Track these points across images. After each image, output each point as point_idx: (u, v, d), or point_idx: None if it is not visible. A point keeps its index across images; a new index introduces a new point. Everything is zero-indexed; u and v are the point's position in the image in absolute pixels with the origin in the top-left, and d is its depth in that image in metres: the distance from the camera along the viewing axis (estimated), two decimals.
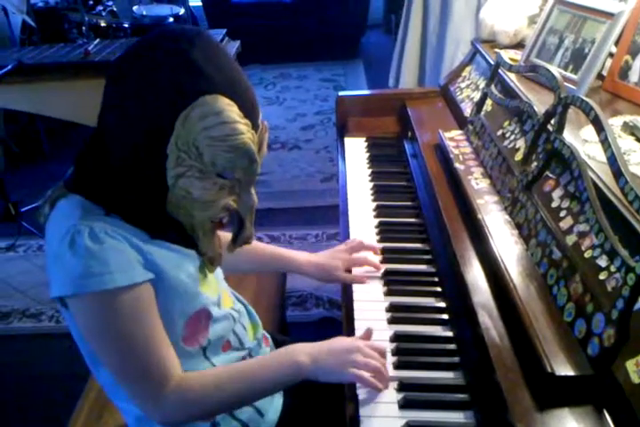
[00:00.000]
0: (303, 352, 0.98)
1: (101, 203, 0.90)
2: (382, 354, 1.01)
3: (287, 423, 1.11)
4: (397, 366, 1.02)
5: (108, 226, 0.88)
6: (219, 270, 1.10)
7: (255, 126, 0.90)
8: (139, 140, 0.87)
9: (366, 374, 0.95)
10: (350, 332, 1.12)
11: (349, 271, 1.29)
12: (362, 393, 0.97)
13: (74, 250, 0.85)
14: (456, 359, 1.03)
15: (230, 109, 0.85)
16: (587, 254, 0.93)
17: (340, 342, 1.01)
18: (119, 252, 0.87)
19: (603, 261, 0.89)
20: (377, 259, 1.31)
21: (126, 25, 4.10)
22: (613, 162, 0.89)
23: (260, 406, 1.08)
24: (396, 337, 1.08)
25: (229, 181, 0.91)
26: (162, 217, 0.92)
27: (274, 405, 1.12)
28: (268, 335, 1.25)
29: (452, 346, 1.06)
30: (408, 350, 1.05)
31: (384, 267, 1.28)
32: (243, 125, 0.86)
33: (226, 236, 1.05)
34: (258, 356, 1.10)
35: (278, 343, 1.24)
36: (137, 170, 0.89)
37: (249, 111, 0.88)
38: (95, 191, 0.91)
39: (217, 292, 1.06)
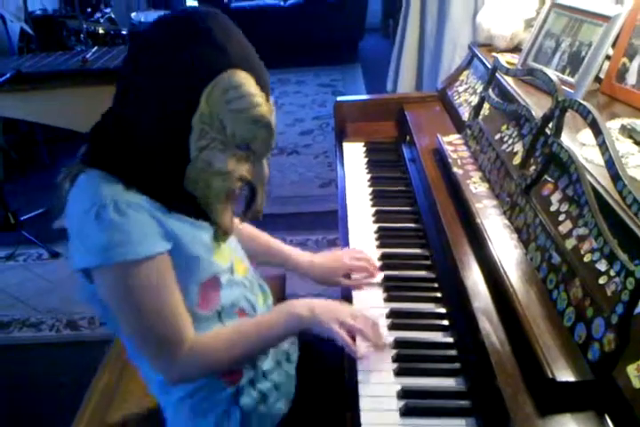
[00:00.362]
0: (302, 305, 1.06)
1: (122, 176, 0.93)
2: (374, 325, 1.07)
3: (300, 410, 1.16)
4: (398, 373, 1.01)
5: (131, 199, 0.92)
6: (232, 239, 1.14)
7: (268, 99, 0.96)
8: (165, 114, 0.91)
9: (345, 335, 1.02)
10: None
11: (348, 277, 1.29)
12: (363, 399, 0.97)
13: (99, 223, 0.89)
14: (457, 366, 1.03)
15: (248, 83, 0.91)
16: (586, 258, 0.92)
17: (336, 303, 1.10)
18: (141, 224, 0.92)
19: (602, 265, 0.88)
20: (375, 267, 1.31)
21: (124, 32, 4.11)
22: (611, 166, 0.88)
23: (278, 382, 1.14)
24: (397, 344, 1.08)
25: (246, 153, 0.97)
26: (179, 192, 0.97)
27: (291, 384, 1.17)
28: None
29: (453, 352, 1.06)
30: (409, 357, 1.05)
31: (383, 273, 1.28)
32: (260, 98, 0.92)
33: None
34: (260, 314, 1.14)
35: None
36: (161, 144, 0.94)
37: (263, 85, 0.94)
38: (115, 165, 0.94)
39: (229, 259, 1.10)
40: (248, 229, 1.31)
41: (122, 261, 0.90)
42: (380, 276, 1.28)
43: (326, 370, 1.23)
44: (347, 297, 1.24)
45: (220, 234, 1.06)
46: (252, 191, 1.04)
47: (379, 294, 1.23)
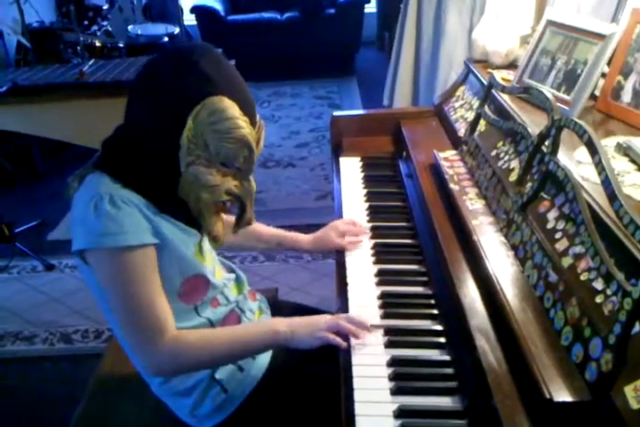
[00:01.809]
0: (283, 323, 1.15)
1: (122, 179, 1.07)
2: (364, 324, 1.14)
3: (276, 370, 1.25)
4: (395, 392, 1.01)
5: (125, 195, 1.05)
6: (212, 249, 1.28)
7: (253, 123, 1.09)
8: (158, 132, 1.06)
9: (332, 336, 1.11)
10: (346, 355, 1.11)
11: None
12: (360, 419, 0.96)
13: (97, 212, 1.02)
14: (453, 384, 1.02)
15: (232, 108, 1.04)
16: (582, 277, 0.92)
17: (319, 317, 1.17)
18: (132, 217, 1.04)
19: (599, 284, 0.88)
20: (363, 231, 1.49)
21: (121, 44, 4.12)
22: (608, 185, 0.89)
23: (241, 364, 1.23)
24: (393, 362, 1.07)
25: (231, 170, 1.10)
26: (173, 199, 1.09)
27: (257, 363, 1.25)
28: (260, 295, 1.43)
29: (450, 370, 1.05)
30: (405, 375, 1.04)
31: (379, 289, 1.28)
32: (242, 121, 1.05)
33: (229, 220, 1.24)
34: (233, 302, 1.28)
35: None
36: (156, 158, 1.07)
37: (247, 110, 1.07)
38: (118, 171, 1.08)
39: (212, 264, 1.24)
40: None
41: (113, 247, 1.02)
42: (376, 292, 1.27)
43: None
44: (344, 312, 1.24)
45: (211, 241, 1.19)
46: (241, 205, 1.16)
47: (375, 311, 1.22)
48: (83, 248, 1.05)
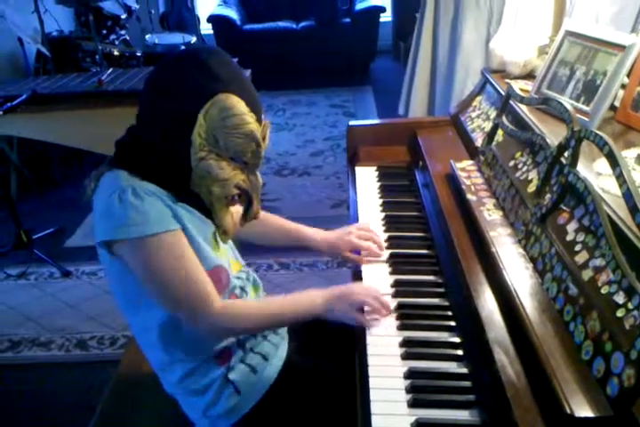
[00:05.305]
0: (319, 295, 1.22)
1: (138, 173, 1.12)
2: (387, 306, 1.22)
3: (290, 372, 1.28)
4: (412, 405, 1.00)
5: (146, 186, 1.10)
6: (230, 242, 1.31)
7: (259, 120, 1.13)
8: (170, 130, 1.10)
9: (359, 317, 1.19)
10: (363, 367, 1.10)
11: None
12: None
13: (122, 204, 1.07)
14: (471, 397, 1.01)
15: (239, 104, 1.09)
16: (603, 290, 0.91)
17: (352, 288, 1.25)
18: (156, 206, 1.09)
19: (620, 298, 0.87)
20: (381, 246, 1.46)
21: (139, 53, 4.16)
22: (629, 198, 0.88)
23: (265, 353, 1.27)
24: (410, 374, 1.07)
25: (240, 164, 1.14)
26: (187, 191, 1.14)
27: (278, 353, 1.30)
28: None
29: (467, 383, 1.04)
30: (423, 388, 1.03)
31: (396, 300, 1.27)
32: (249, 117, 1.10)
33: (239, 213, 1.27)
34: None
35: None
36: (169, 153, 1.12)
37: (253, 106, 1.12)
38: (134, 166, 1.13)
39: (227, 258, 1.27)
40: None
41: (142, 236, 1.07)
42: (393, 303, 1.27)
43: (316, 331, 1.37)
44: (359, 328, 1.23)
45: (221, 234, 1.22)
46: (248, 199, 1.21)
47: (392, 322, 1.21)
48: (110, 239, 1.09)
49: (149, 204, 1.08)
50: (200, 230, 1.17)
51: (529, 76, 1.80)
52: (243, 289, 1.28)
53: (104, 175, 1.14)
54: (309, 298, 1.22)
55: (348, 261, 1.49)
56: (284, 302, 1.23)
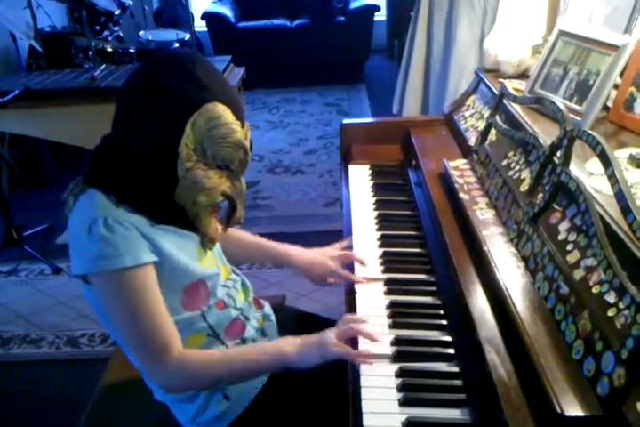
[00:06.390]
0: (290, 344, 1.13)
1: (115, 194, 1.07)
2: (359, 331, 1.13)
3: (278, 377, 1.23)
4: (403, 404, 1.00)
5: (119, 216, 1.05)
6: (217, 247, 1.29)
7: (242, 126, 1.11)
8: (156, 141, 1.06)
9: (343, 350, 1.09)
10: (354, 367, 1.10)
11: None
12: None
13: (91, 236, 1.03)
14: (462, 396, 1.01)
15: (226, 113, 1.06)
16: (594, 290, 0.91)
17: (327, 339, 1.12)
18: (128, 238, 1.04)
19: (611, 298, 0.87)
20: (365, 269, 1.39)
21: (132, 50, 4.14)
22: (621, 198, 0.88)
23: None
24: (402, 372, 1.06)
25: (226, 172, 1.12)
26: (168, 204, 1.10)
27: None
28: (266, 303, 1.41)
29: (459, 382, 1.04)
30: (413, 386, 1.03)
31: (388, 299, 1.27)
32: (236, 125, 1.08)
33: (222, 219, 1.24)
34: (253, 344, 1.26)
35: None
36: (153, 166, 1.07)
37: (238, 114, 1.10)
38: (110, 184, 1.08)
39: (215, 265, 1.24)
40: (236, 231, 1.43)
41: (110, 270, 1.03)
42: (385, 301, 1.27)
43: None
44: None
45: (207, 242, 1.20)
46: (232, 204, 1.18)
47: (384, 320, 1.21)
48: (82, 273, 1.07)
49: (121, 236, 1.03)
50: (182, 246, 1.13)
51: (522, 75, 1.81)
52: (230, 296, 1.26)
53: (80, 197, 1.09)
54: (278, 349, 1.14)
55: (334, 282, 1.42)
56: (249, 354, 1.16)
